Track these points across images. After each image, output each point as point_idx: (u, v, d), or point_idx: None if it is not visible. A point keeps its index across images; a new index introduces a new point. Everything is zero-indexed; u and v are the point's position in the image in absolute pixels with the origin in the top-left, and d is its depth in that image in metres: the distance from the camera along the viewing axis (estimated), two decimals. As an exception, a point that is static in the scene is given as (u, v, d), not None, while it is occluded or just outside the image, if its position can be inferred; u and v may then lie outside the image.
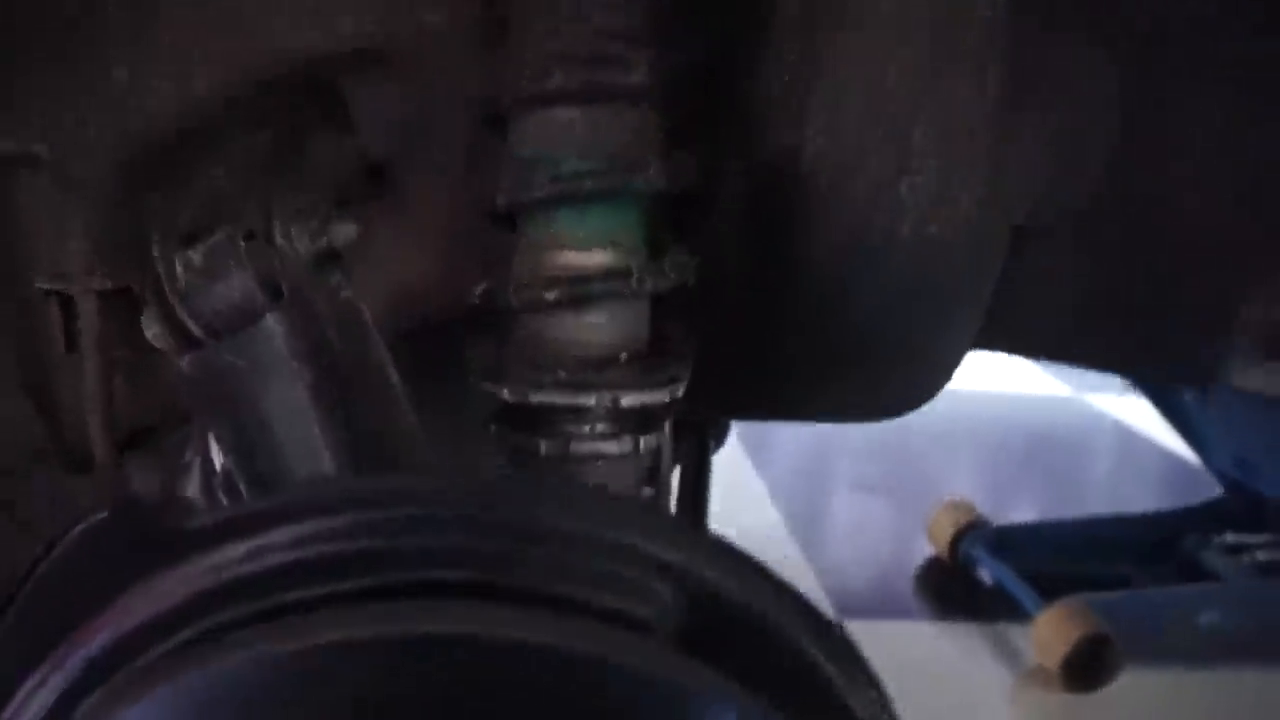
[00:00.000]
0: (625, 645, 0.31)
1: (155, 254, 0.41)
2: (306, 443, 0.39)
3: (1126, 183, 0.54)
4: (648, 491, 0.56)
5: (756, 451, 2.24)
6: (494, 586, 0.31)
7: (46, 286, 0.55)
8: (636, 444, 0.50)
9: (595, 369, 0.48)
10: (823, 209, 0.51)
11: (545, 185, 0.46)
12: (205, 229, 0.43)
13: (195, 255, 0.41)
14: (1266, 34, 0.53)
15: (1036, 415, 2.85)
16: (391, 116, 0.62)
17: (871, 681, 0.37)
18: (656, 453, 0.75)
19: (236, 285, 0.40)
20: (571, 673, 0.30)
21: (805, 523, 1.88)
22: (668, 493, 0.89)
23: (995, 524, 1.71)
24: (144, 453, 0.65)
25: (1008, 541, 1.65)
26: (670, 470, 0.90)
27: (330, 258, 0.44)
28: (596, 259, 0.48)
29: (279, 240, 0.41)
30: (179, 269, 0.41)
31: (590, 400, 0.47)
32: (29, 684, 0.32)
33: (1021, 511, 2.02)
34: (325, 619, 0.29)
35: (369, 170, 0.65)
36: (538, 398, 0.47)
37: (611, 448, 0.49)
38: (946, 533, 1.69)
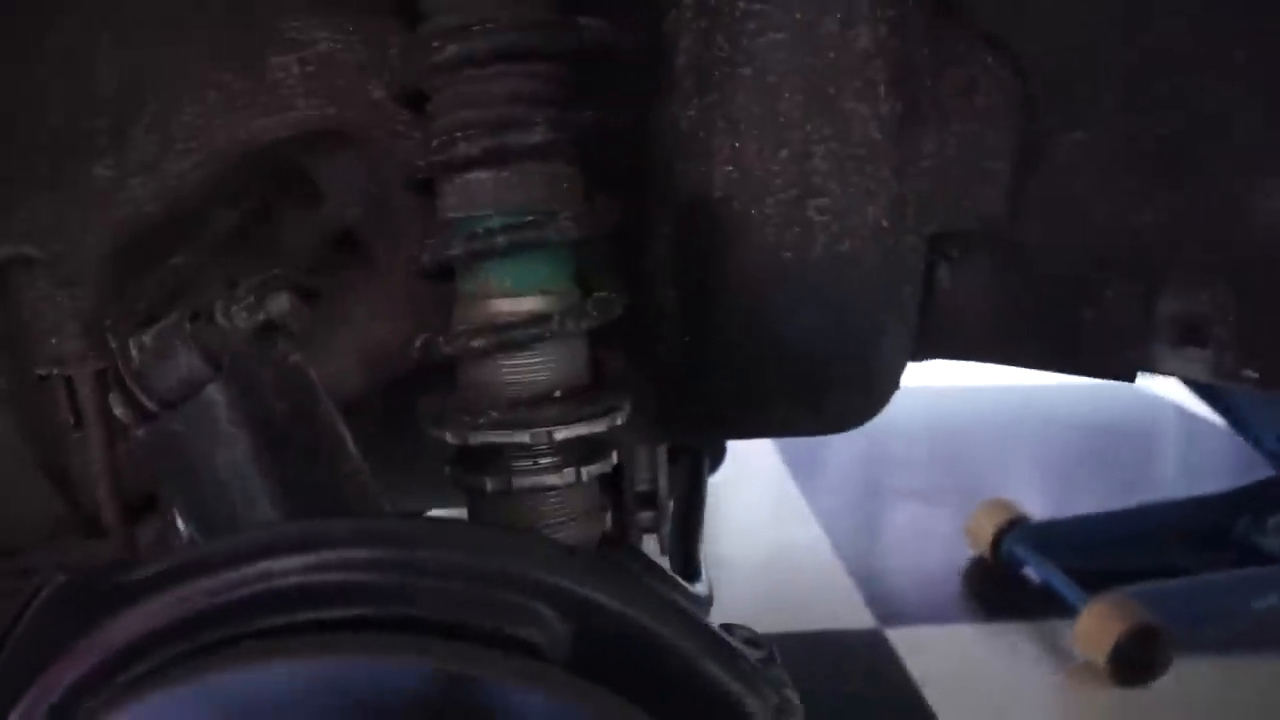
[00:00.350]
0: (512, 667, 0.33)
1: (110, 339, 0.45)
2: (250, 500, 0.43)
3: (1035, 189, 0.56)
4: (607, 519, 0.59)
5: (798, 466, 2.24)
6: (388, 619, 0.34)
7: (43, 372, 0.61)
8: (579, 475, 0.53)
9: (528, 407, 0.51)
10: (737, 234, 0.54)
11: (462, 244, 0.50)
12: (160, 313, 0.48)
13: (147, 338, 0.45)
14: (1166, 30, 0.54)
15: (1093, 405, 2.78)
16: (354, 187, 0.67)
17: (771, 686, 0.39)
18: (614, 478, 0.78)
19: (183, 362, 0.44)
20: (463, 695, 0.33)
21: (846, 533, 1.88)
22: (665, 515, 0.92)
23: (1037, 520, 1.69)
24: (157, 516, 0.70)
25: (1051, 537, 1.62)
26: (668, 493, 0.93)
27: (272, 328, 0.48)
28: (526, 305, 0.52)
29: (219, 318, 0.46)
30: (133, 351, 0.45)
31: (525, 437, 0.50)
32: (18, 712, 0.36)
33: (1084, 506, 1.97)
34: (227, 657, 0.32)
35: (339, 238, 0.70)
36: (476, 438, 0.51)
37: (554, 479, 0.52)
38: (986, 533, 1.67)
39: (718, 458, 1.05)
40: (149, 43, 0.57)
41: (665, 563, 0.85)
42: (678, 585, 0.69)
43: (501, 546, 0.36)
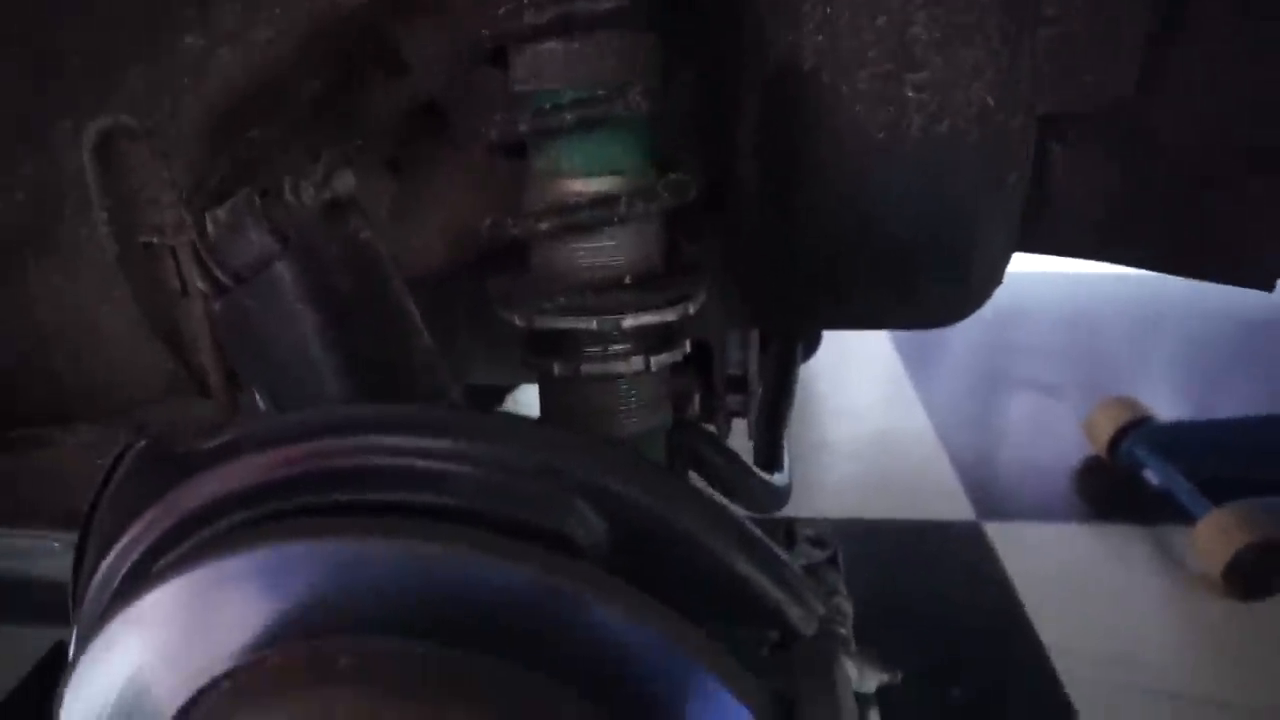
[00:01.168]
0: (553, 563, 0.33)
1: (186, 212, 0.46)
2: (317, 375, 0.44)
3: (1173, 63, 0.48)
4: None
5: (909, 352, 2.17)
6: (424, 505, 0.35)
7: (146, 240, 0.63)
8: (647, 363, 0.52)
9: (596, 292, 0.50)
10: (826, 108, 0.50)
11: (530, 120, 0.48)
12: (236, 186, 0.49)
13: (220, 212, 0.46)
14: None
15: (1244, 301, 2.55)
16: (439, 56, 0.66)
17: (815, 589, 0.38)
18: (704, 360, 0.77)
19: (253, 238, 0.45)
20: (502, 589, 0.33)
21: (954, 422, 1.82)
22: (754, 402, 0.90)
23: (1162, 421, 1.59)
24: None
25: (1177, 440, 1.53)
26: (757, 380, 0.91)
27: (340, 205, 0.48)
28: (595, 185, 0.50)
29: (287, 195, 0.46)
30: (208, 225, 0.46)
31: (591, 323, 0.50)
32: (105, 564, 0.40)
33: (1222, 411, 1.85)
34: (279, 530, 0.34)
35: (425, 111, 0.69)
36: (542, 323, 0.50)
37: (621, 366, 0.52)
38: (1105, 430, 1.59)
39: (811, 345, 1.01)
40: None
41: (749, 449, 0.84)
42: (752, 474, 0.68)
43: (542, 440, 0.35)
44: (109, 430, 0.66)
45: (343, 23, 0.61)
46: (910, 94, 0.47)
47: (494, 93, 0.65)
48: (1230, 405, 1.92)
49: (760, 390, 0.89)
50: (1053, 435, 1.76)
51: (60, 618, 0.46)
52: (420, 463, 0.35)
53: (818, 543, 0.54)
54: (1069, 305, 2.53)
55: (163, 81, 0.61)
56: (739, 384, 0.91)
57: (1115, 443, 1.57)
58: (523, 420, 0.37)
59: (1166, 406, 1.71)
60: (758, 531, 0.37)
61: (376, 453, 0.35)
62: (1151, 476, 1.54)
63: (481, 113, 0.66)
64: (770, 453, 0.80)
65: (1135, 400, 1.64)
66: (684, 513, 0.35)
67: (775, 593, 0.36)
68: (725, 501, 0.39)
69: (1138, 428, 1.56)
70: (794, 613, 0.36)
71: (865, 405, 1.93)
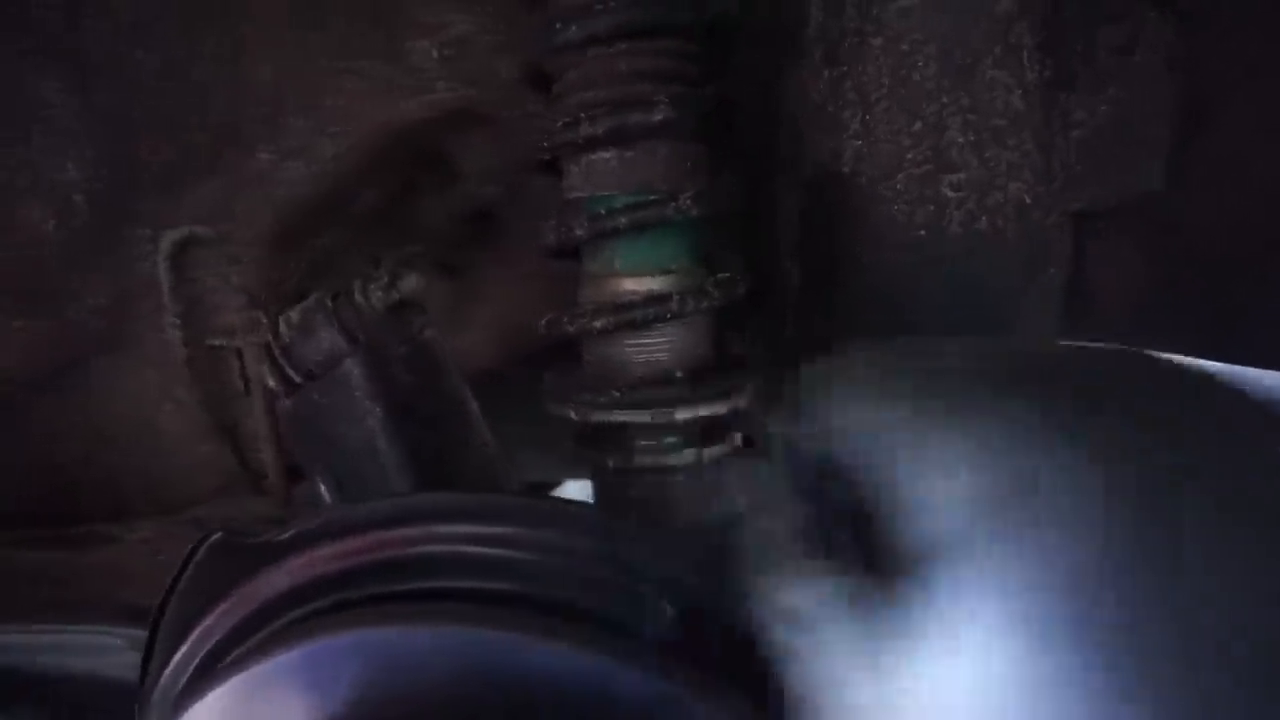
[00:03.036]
0: (622, 650, 0.34)
1: (262, 315, 0.49)
2: (380, 467, 0.46)
3: (1198, 157, 0.50)
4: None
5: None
6: (495, 593, 0.35)
7: (215, 343, 0.66)
8: (699, 455, 0.53)
9: (650, 387, 0.51)
10: (865, 210, 0.52)
11: (585, 224, 0.50)
12: (307, 290, 0.51)
13: (294, 314, 0.49)
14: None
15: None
16: (490, 167, 0.69)
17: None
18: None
19: (324, 337, 0.47)
20: (574, 676, 0.33)
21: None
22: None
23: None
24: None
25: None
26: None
27: (406, 306, 0.50)
28: (647, 284, 0.52)
29: (357, 297, 0.48)
30: (281, 326, 0.49)
31: (645, 417, 0.51)
32: (179, 656, 0.40)
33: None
34: (344, 620, 0.34)
35: (478, 217, 0.72)
36: (597, 417, 0.52)
37: (673, 459, 0.53)
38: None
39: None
40: (294, 40, 0.60)
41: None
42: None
43: (607, 528, 0.36)
44: (167, 528, 0.68)
45: (402, 137, 0.65)
46: (949, 193, 0.50)
47: (544, 199, 0.68)
48: None
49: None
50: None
51: (123, 716, 0.46)
52: (485, 551, 0.36)
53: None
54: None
55: (235, 192, 0.65)
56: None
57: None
58: (586, 506, 0.38)
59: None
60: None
61: (442, 541, 0.36)
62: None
63: (533, 218, 0.70)
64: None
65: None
66: (748, 600, 0.36)
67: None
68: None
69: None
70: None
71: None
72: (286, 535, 0.39)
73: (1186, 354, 0.55)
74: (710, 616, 0.36)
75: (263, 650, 0.35)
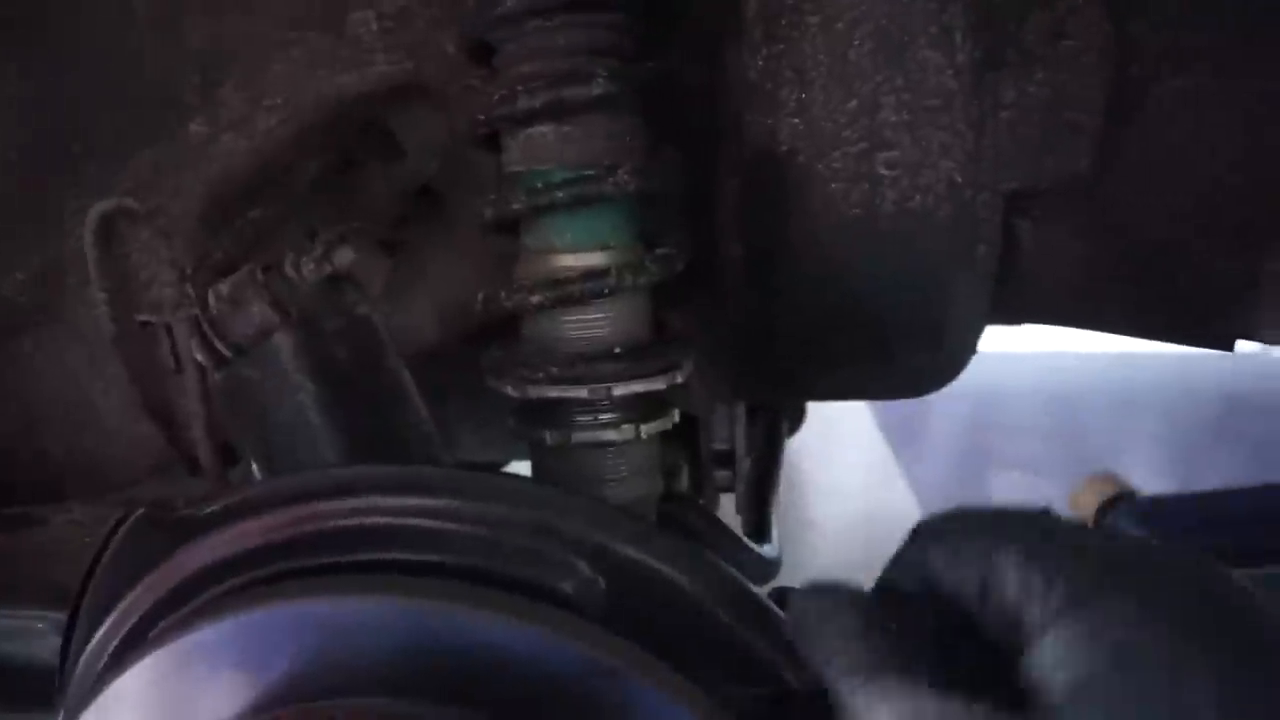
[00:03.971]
0: (550, 618, 0.34)
1: (188, 287, 0.48)
2: (313, 444, 0.45)
3: (1129, 143, 0.52)
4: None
5: (894, 430, 2.18)
6: (421, 564, 0.35)
7: (143, 319, 0.65)
8: (637, 431, 0.53)
9: (587, 362, 0.51)
10: (803, 188, 0.52)
11: (523, 199, 0.50)
12: (238, 264, 0.50)
13: (223, 287, 0.48)
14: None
15: (1220, 375, 2.59)
16: (432, 141, 0.68)
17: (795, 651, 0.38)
18: (690, 435, 0.78)
19: (255, 311, 0.47)
20: (511, 648, 0.33)
21: (939, 500, 1.82)
22: (741, 474, 0.91)
23: (1146, 495, 1.60)
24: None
25: (1161, 514, 1.54)
26: (744, 453, 0.92)
27: (340, 280, 0.49)
28: (586, 260, 0.52)
29: (288, 270, 0.48)
30: (210, 299, 0.48)
31: (583, 392, 0.51)
32: (99, 635, 0.40)
33: (1205, 485, 1.85)
34: (277, 591, 0.34)
35: (419, 192, 0.71)
36: (535, 392, 0.51)
37: (612, 435, 0.53)
38: (1090, 505, 1.60)
39: (797, 419, 1.03)
40: (235, 6, 0.59)
41: (737, 523, 0.84)
42: (742, 545, 0.69)
43: (539, 498, 0.36)
44: (99, 508, 0.66)
45: (342, 111, 0.64)
46: (883, 172, 0.50)
47: (484, 174, 0.67)
48: (1212, 479, 1.93)
49: (747, 464, 0.90)
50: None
51: (48, 703, 0.45)
52: (417, 522, 0.36)
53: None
54: (1048, 384, 2.57)
55: (167, 165, 0.63)
56: (726, 459, 0.92)
57: (1100, 518, 1.58)
58: (518, 479, 0.38)
59: (1149, 482, 1.72)
60: (754, 589, 0.38)
61: (373, 513, 0.36)
62: (1138, 550, 1.54)
63: (474, 194, 0.69)
64: (759, 525, 0.80)
65: (1118, 475, 1.65)
66: (681, 570, 0.36)
67: (770, 652, 0.37)
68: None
69: (1122, 502, 1.57)
70: (788, 675, 0.37)
71: (851, 484, 1.94)
72: (211, 509, 0.39)
73: (1119, 333, 0.56)
74: (642, 589, 0.36)
75: (188, 623, 0.34)
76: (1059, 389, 2.52)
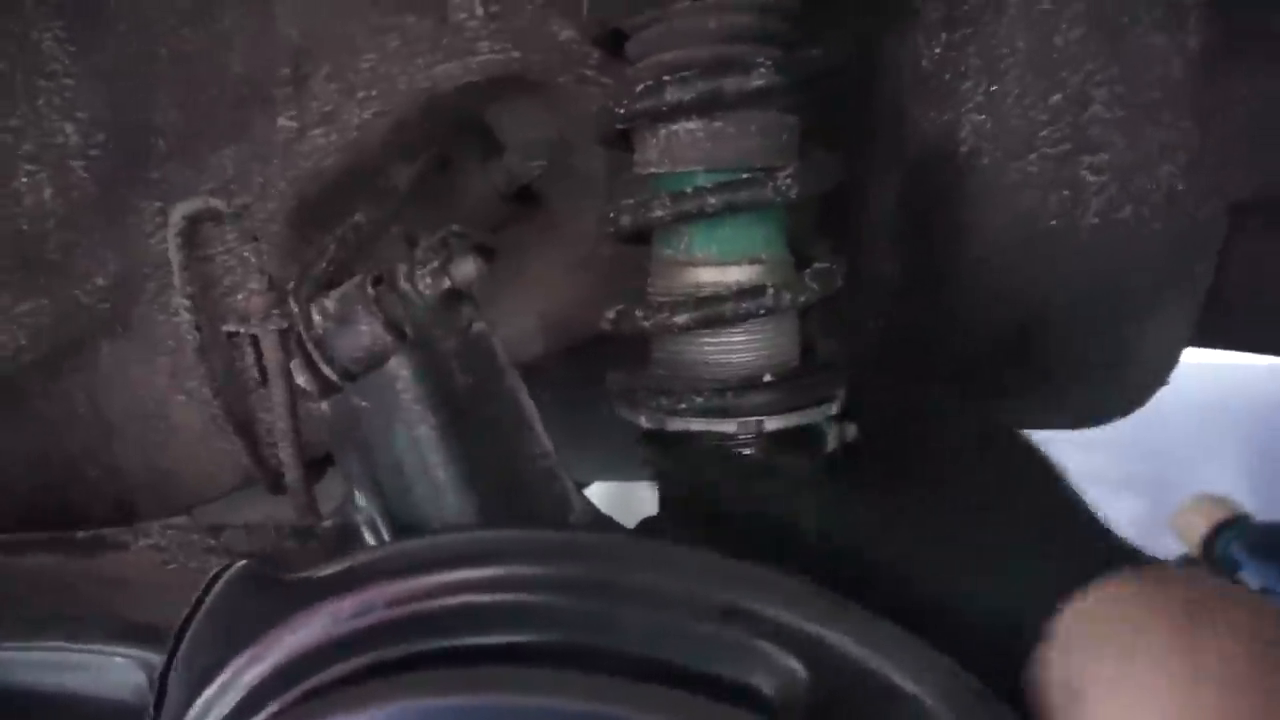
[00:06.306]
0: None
1: (293, 302, 0.42)
2: (432, 481, 0.39)
3: None
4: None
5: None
6: (584, 650, 0.29)
7: (230, 329, 0.60)
8: (787, 470, 0.46)
9: (736, 392, 0.45)
10: (986, 195, 0.45)
11: (668, 204, 0.44)
12: (342, 275, 0.45)
13: (329, 301, 0.42)
14: None
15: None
16: (535, 137, 0.63)
17: None
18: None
19: (365, 331, 0.41)
20: None
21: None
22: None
23: (1262, 520, 1.49)
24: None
25: (1275, 545, 1.43)
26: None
27: (456, 295, 0.43)
28: (732, 275, 0.45)
29: (402, 285, 0.42)
30: (315, 316, 0.42)
31: (730, 427, 0.44)
32: (201, 701, 0.34)
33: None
34: (412, 682, 0.28)
35: (520, 192, 0.66)
36: (674, 425, 0.45)
37: (758, 475, 0.46)
38: (1198, 530, 1.49)
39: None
40: None
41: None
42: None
43: (725, 574, 0.30)
44: (181, 534, 0.61)
45: (438, 106, 0.58)
46: (1088, 177, 0.43)
47: (591, 175, 0.61)
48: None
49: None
50: (1137, 533, 1.66)
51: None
52: (571, 600, 0.30)
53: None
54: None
55: (253, 162, 0.58)
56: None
57: (1209, 543, 1.48)
58: (696, 549, 0.31)
59: (1248, 504, 1.61)
60: (975, 681, 0.31)
61: (519, 588, 0.30)
62: (1249, 578, 1.44)
63: (580, 197, 0.63)
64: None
65: (1227, 498, 1.55)
66: (896, 662, 0.29)
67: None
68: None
69: (1232, 526, 1.47)
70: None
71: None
72: (330, 571, 0.33)
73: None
74: (846, 680, 0.30)
75: (312, 714, 0.28)
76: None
